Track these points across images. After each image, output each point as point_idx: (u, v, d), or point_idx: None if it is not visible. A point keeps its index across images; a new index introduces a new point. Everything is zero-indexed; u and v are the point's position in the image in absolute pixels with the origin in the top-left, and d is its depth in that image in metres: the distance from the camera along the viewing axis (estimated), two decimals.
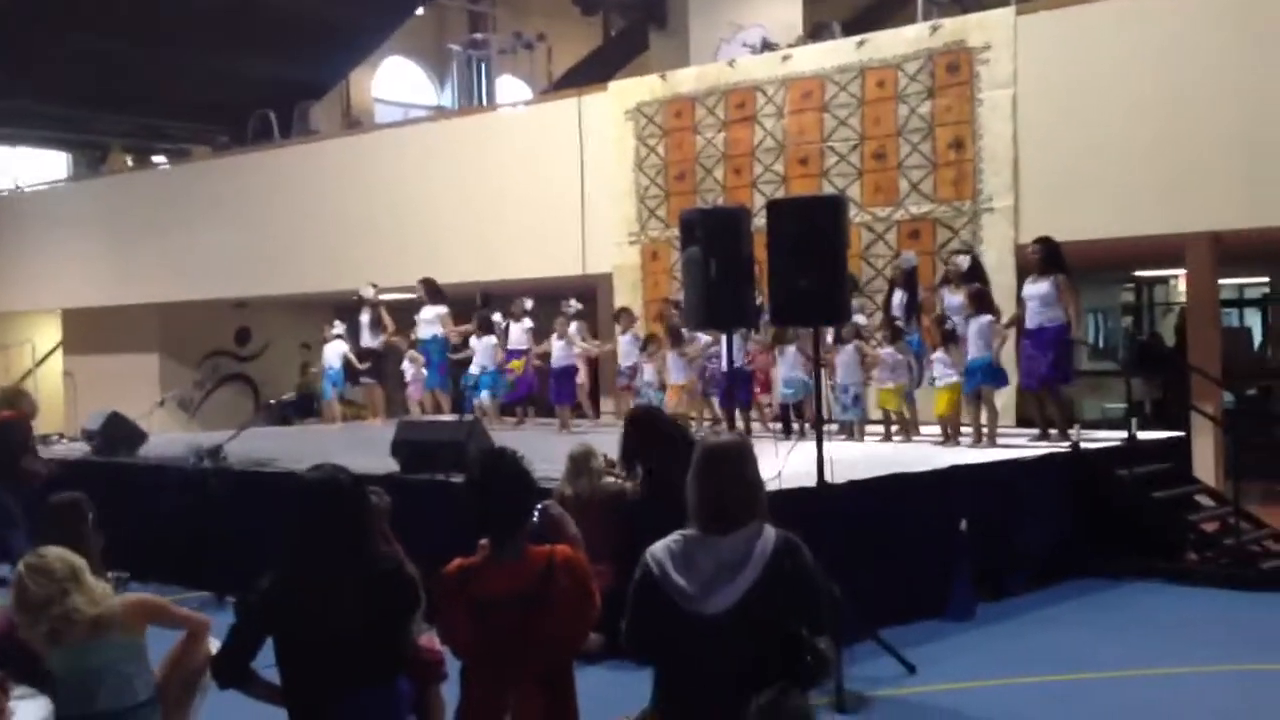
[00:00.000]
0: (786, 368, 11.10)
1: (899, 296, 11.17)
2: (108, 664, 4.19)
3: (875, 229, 12.48)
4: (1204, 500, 10.53)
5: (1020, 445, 10.11)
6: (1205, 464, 11.19)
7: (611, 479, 7.03)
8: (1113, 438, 10.76)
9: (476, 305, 13.93)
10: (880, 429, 11.03)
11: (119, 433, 11.08)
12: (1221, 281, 12.90)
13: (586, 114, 14.69)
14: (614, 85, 14.84)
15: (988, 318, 10.10)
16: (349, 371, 14.99)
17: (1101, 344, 15.12)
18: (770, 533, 3.40)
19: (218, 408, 20.05)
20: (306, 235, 17.51)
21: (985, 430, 10.20)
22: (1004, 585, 8.88)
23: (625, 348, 12.92)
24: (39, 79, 20.18)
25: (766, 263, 6.25)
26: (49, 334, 22.23)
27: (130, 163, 22.98)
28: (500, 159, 15.47)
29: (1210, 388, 11.33)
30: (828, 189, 12.56)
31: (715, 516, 3.39)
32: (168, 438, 11.29)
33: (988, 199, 11.82)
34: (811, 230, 6.07)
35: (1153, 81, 11.03)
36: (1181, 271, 14.59)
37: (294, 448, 11.02)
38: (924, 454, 9.75)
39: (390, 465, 8.73)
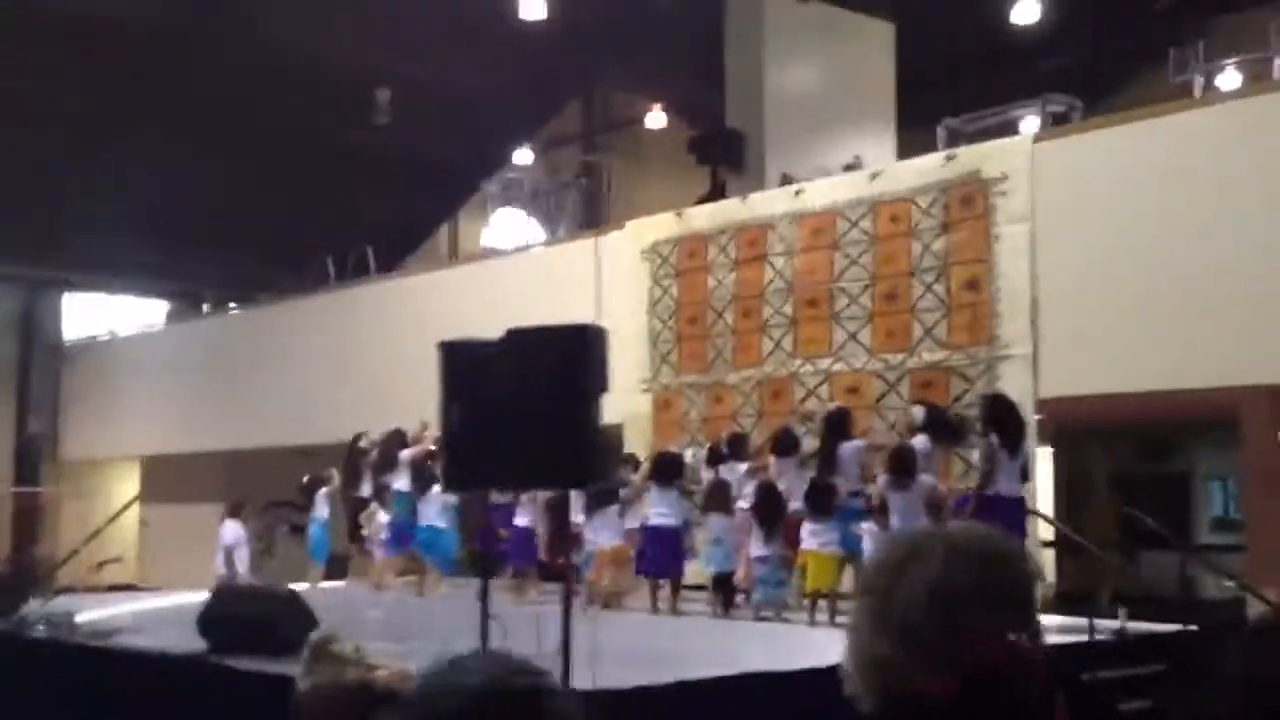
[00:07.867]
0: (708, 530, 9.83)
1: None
2: None
3: (887, 378, 11.09)
4: None
5: None
6: None
7: (360, 668, 5.71)
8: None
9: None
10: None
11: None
12: None
13: (603, 253, 13.80)
14: (631, 224, 13.91)
15: (926, 481, 8.64)
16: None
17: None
18: None
19: (279, 560, 19.44)
20: (356, 382, 17.03)
21: None
22: None
23: None
24: (130, 222, 20.50)
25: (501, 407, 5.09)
26: (128, 482, 22.22)
27: (230, 308, 23.01)
28: (517, 300, 14.66)
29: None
30: (838, 333, 11.35)
31: None
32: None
33: (1005, 345, 10.35)
34: (556, 368, 4.93)
35: (1188, 212, 9.55)
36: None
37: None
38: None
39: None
